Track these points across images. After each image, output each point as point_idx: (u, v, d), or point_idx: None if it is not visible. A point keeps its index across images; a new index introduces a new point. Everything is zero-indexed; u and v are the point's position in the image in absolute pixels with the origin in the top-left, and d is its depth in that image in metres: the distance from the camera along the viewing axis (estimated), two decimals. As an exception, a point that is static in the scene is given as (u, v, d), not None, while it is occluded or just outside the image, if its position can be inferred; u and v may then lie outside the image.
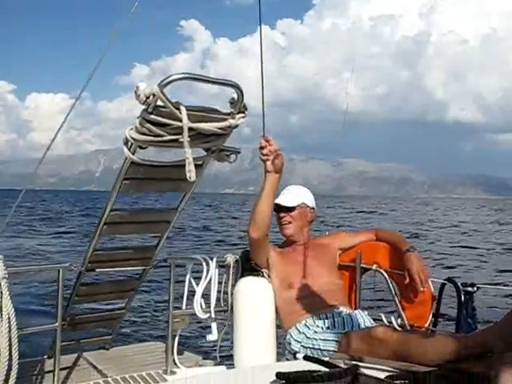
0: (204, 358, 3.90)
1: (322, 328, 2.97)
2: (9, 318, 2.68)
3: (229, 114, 2.50)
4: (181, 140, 2.32)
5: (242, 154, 2.95)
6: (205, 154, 2.70)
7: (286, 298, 3.20)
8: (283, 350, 3.22)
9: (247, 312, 3.22)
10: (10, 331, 2.67)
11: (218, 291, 3.41)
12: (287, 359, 3.07)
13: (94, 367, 3.67)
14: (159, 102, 2.29)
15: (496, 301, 8.67)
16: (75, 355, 3.81)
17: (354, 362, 2.24)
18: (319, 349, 2.85)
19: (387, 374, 2.16)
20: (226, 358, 3.56)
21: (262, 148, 2.83)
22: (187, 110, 2.33)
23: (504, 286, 10.07)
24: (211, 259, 3.38)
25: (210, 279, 3.37)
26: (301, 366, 2.26)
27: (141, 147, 2.52)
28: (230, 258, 3.48)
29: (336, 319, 3.03)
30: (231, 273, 3.47)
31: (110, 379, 3.38)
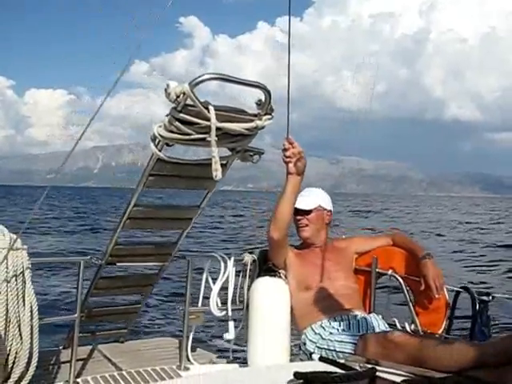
0: (217, 356, 3.93)
1: (338, 330, 3.00)
2: (31, 308, 2.74)
3: (255, 116, 2.53)
4: (208, 139, 2.36)
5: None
6: (229, 153, 2.74)
7: (302, 300, 3.23)
8: (297, 351, 3.25)
9: (263, 312, 3.25)
10: (31, 320, 2.72)
11: (234, 289, 3.45)
12: (301, 360, 3.10)
13: (109, 360, 3.71)
14: (188, 101, 2.33)
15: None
16: (90, 347, 3.85)
17: (370, 365, 2.26)
18: (334, 350, 2.87)
19: (403, 378, 2.18)
20: (239, 357, 3.59)
21: (285, 150, 2.85)
22: (215, 109, 2.36)
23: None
24: (229, 258, 3.42)
25: (227, 277, 3.41)
26: (316, 366, 2.28)
27: (167, 144, 2.56)
28: (248, 258, 3.51)
29: (352, 322, 3.05)
30: (248, 272, 3.50)
31: (124, 372, 3.42)
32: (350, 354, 2.75)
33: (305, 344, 3.10)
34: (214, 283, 3.43)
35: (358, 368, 2.29)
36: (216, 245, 19.21)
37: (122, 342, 4.07)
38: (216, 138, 2.36)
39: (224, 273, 3.42)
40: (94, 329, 3.88)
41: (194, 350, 3.67)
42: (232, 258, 3.43)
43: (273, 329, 3.22)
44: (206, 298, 3.47)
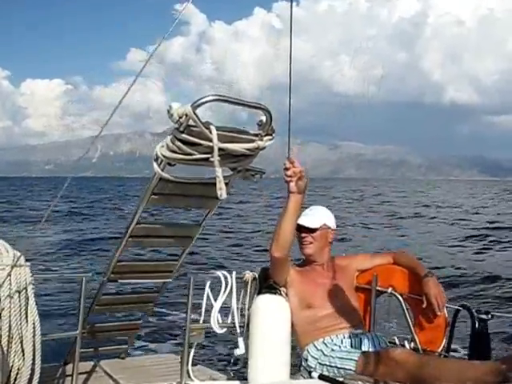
0: (218, 373, 3.93)
1: (340, 347, 3.02)
2: (34, 324, 2.75)
3: (257, 136, 2.57)
4: (211, 159, 2.39)
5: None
6: (231, 172, 2.77)
7: (304, 318, 3.25)
8: (298, 369, 3.26)
9: (263, 329, 3.26)
10: (34, 336, 2.74)
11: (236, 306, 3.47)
12: (302, 376, 3.11)
13: (110, 376, 3.72)
14: (191, 122, 2.37)
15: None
16: (92, 363, 3.86)
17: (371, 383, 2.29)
18: (336, 367, 2.89)
19: None
20: (239, 374, 3.59)
21: (286, 169, 2.88)
22: (217, 130, 2.40)
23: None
24: (230, 275, 3.44)
25: (228, 294, 3.43)
26: None
27: (170, 164, 2.59)
28: (249, 275, 3.53)
29: (353, 339, 3.08)
30: (249, 289, 3.52)
31: None
32: (351, 370, 2.77)
33: (306, 360, 3.11)
34: (215, 300, 3.45)
35: (357, 385, 2.32)
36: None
37: (123, 358, 4.08)
38: (219, 159, 2.40)
39: (225, 290, 3.43)
40: (95, 345, 3.88)
41: (194, 366, 3.68)
42: (234, 276, 3.45)
43: (273, 346, 3.23)
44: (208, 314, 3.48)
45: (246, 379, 3.29)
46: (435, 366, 2.40)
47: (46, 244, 18.39)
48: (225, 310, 3.48)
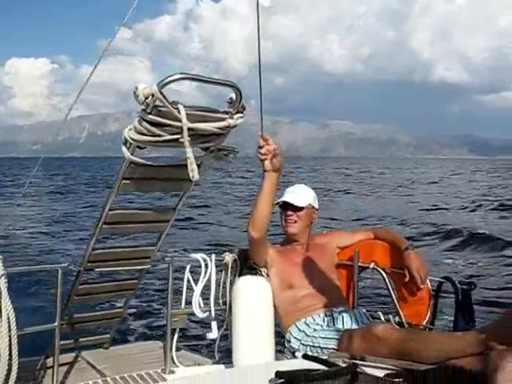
0: (202, 357, 3.90)
1: (322, 326, 2.99)
2: (8, 319, 2.68)
3: (227, 114, 2.50)
4: (181, 140, 2.32)
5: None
6: (203, 153, 2.71)
7: (285, 298, 3.21)
8: (282, 349, 3.23)
9: (245, 311, 3.23)
10: (9, 331, 2.67)
11: (217, 290, 3.43)
12: (286, 358, 3.09)
13: (93, 367, 3.67)
14: (158, 102, 2.29)
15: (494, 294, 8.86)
16: (74, 354, 3.80)
17: (353, 361, 2.25)
18: (319, 347, 2.86)
19: (386, 372, 2.17)
20: (225, 357, 3.57)
21: (260, 147, 2.83)
22: (186, 109, 2.33)
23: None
24: (210, 258, 3.39)
25: (209, 278, 3.38)
26: (300, 364, 2.28)
27: (139, 147, 2.52)
28: (229, 257, 3.49)
29: (335, 317, 3.05)
30: (229, 272, 3.48)
31: (108, 379, 3.38)
32: (334, 349, 2.74)
33: (289, 342, 3.08)
34: (195, 284, 3.40)
35: (340, 364, 2.29)
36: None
37: (106, 348, 4.02)
38: (189, 139, 2.33)
39: (205, 273, 3.39)
40: (77, 336, 3.82)
41: (179, 352, 3.64)
42: (213, 259, 3.40)
43: (256, 327, 3.20)
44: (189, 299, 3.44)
45: (231, 362, 3.26)
46: (418, 340, 2.37)
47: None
48: (207, 295, 3.44)
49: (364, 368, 2.17)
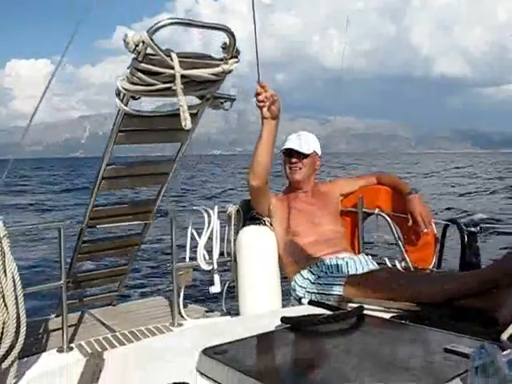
0: (210, 310, 3.91)
1: (327, 273, 2.97)
2: (13, 277, 2.68)
3: (221, 60, 2.43)
4: (174, 88, 2.26)
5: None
6: (199, 102, 2.65)
7: (289, 247, 3.19)
8: (288, 298, 3.23)
9: (250, 261, 3.22)
10: (15, 290, 2.67)
11: (221, 242, 3.41)
12: (292, 306, 3.08)
13: (102, 323, 3.69)
14: (149, 50, 2.22)
15: (500, 240, 8.84)
16: (82, 312, 3.83)
17: (359, 304, 2.24)
18: (324, 293, 2.85)
19: (391, 314, 2.16)
20: (232, 309, 3.58)
21: (257, 94, 2.76)
22: (178, 56, 2.26)
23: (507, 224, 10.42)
24: (212, 210, 3.37)
25: (212, 230, 3.36)
26: (306, 310, 2.26)
27: (133, 98, 2.46)
28: (231, 208, 3.46)
29: (340, 264, 3.02)
30: (233, 223, 3.45)
31: (118, 334, 3.40)
32: (340, 295, 2.73)
33: (295, 290, 3.07)
34: (199, 237, 3.38)
35: (346, 308, 2.27)
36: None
37: (114, 306, 4.05)
38: (182, 87, 2.26)
39: (209, 225, 3.36)
40: (83, 294, 3.84)
41: (186, 306, 3.66)
42: (216, 210, 3.37)
43: (261, 277, 3.20)
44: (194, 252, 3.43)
45: (238, 314, 3.27)
46: (424, 281, 2.36)
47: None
48: (211, 246, 3.42)
49: (369, 311, 2.16)
